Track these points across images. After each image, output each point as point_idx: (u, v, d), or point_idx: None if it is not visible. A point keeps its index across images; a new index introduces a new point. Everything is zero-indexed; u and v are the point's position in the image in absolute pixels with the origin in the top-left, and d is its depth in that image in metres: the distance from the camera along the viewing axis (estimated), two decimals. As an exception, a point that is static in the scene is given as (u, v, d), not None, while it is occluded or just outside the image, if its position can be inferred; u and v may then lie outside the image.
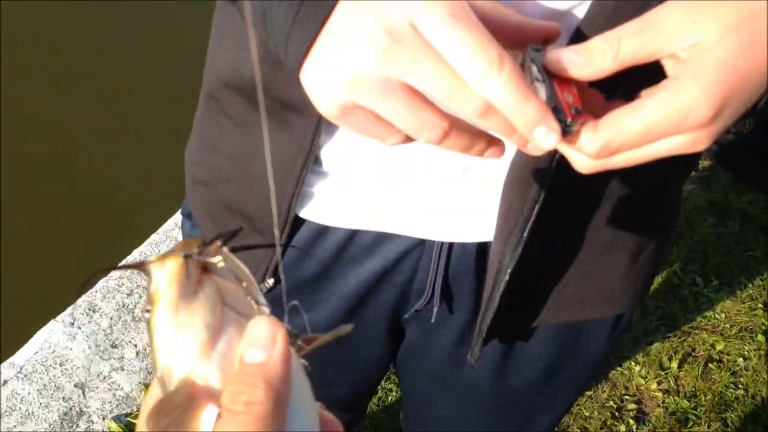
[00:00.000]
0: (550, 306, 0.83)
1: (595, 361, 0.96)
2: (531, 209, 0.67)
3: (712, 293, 2.14)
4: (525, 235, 0.69)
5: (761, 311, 2.12)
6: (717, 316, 2.11)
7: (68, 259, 2.39)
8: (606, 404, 1.93)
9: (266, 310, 0.35)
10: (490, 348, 0.87)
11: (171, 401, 0.32)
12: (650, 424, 1.90)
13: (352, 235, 0.79)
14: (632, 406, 1.93)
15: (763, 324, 2.10)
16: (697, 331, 2.08)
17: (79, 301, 2.12)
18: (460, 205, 0.75)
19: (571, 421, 1.89)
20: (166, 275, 0.32)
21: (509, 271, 0.72)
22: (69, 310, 2.10)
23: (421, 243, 0.79)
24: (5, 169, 2.51)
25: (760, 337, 2.07)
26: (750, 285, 2.17)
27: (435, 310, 0.83)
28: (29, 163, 2.59)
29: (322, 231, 0.79)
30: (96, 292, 2.15)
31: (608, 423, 1.90)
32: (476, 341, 0.82)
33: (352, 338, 0.90)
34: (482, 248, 0.79)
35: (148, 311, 0.32)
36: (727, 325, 2.09)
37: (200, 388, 0.32)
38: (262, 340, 0.34)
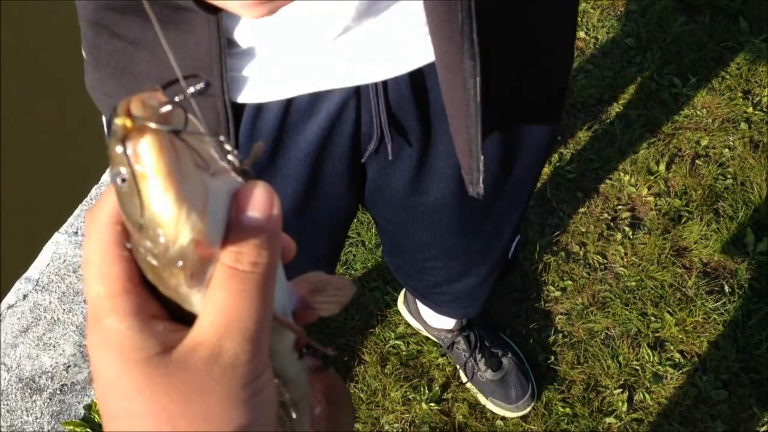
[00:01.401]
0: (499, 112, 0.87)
1: (541, 148, 1.01)
2: (468, 17, 0.68)
3: (690, 91, 2.15)
4: (476, 47, 0.70)
5: (741, 100, 2.14)
6: (698, 112, 2.13)
7: (64, 172, 2.42)
8: (600, 217, 1.99)
9: (250, 171, 0.35)
10: (448, 169, 0.91)
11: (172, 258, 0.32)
12: (645, 228, 1.97)
13: (288, 103, 0.82)
14: (626, 214, 1.99)
15: (744, 112, 2.12)
16: (680, 131, 2.11)
17: (77, 211, 2.17)
18: (380, 42, 0.77)
19: (569, 239, 1.96)
20: (150, 149, 0.31)
21: (479, 88, 0.73)
22: (70, 220, 2.15)
23: (356, 90, 0.81)
24: (5, 86, 2.49)
25: (743, 125, 2.09)
26: (727, 76, 2.17)
27: (389, 146, 0.86)
28: (31, 78, 2.58)
29: (260, 109, 0.82)
30: (91, 200, 2.19)
31: (605, 234, 1.96)
32: (476, 177, 0.84)
33: (323, 193, 0.94)
34: (415, 76, 0.81)
35: (122, 178, 0.31)
36: (710, 120, 2.12)
37: (204, 248, 0.32)
38: (261, 203, 0.34)
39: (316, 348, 0.40)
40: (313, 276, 0.40)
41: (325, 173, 0.91)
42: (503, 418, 1.73)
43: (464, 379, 1.76)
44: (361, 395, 1.78)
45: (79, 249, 2.11)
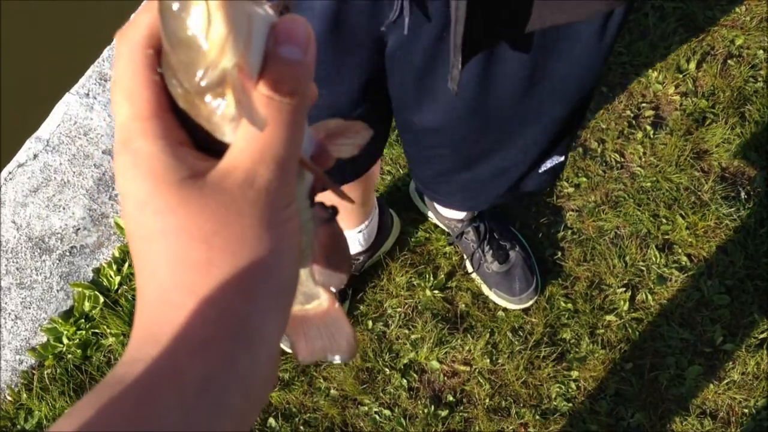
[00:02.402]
0: (527, 12, 0.81)
1: (584, 69, 0.95)
2: None
3: (732, -14, 2.05)
4: None
5: (784, -1, 2.03)
6: (737, 9, 2.03)
7: (77, 32, 2.35)
8: (623, 114, 1.94)
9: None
10: (471, 60, 0.87)
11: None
12: (667, 128, 1.92)
13: None
14: (649, 112, 1.93)
15: (785, 12, 2.02)
16: (716, 28, 2.02)
17: (89, 72, 2.12)
18: None
19: (588, 135, 1.92)
20: None
21: None
22: (82, 81, 2.11)
23: None
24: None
25: (782, 27, 2.00)
26: (772, -28, 2.06)
27: (406, 20, 0.83)
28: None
29: None
30: (103, 61, 2.14)
31: (625, 132, 1.91)
32: (453, 62, 0.82)
33: (349, 62, 0.92)
34: None
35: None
36: (748, 18, 2.02)
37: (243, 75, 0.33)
38: (300, 36, 0.34)
39: (323, 204, 0.42)
40: (332, 122, 0.40)
41: (345, 31, 0.89)
42: (505, 310, 1.75)
43: (470, 269, 1.77)
44: (366, 278, 1.79)
45: (90, 112, 2.08)
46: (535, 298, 1.74)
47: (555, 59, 0.92)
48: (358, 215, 1.61)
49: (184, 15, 0.31)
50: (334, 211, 0.43)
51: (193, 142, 0.35)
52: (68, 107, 2.08)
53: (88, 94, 2.10)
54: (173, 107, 0.35)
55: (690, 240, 1.80)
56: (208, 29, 0.31)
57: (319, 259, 0.45)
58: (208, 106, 0.34)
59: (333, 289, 0.46)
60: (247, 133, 0.34)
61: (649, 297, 1.76)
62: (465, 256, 1.78)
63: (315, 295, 0.45)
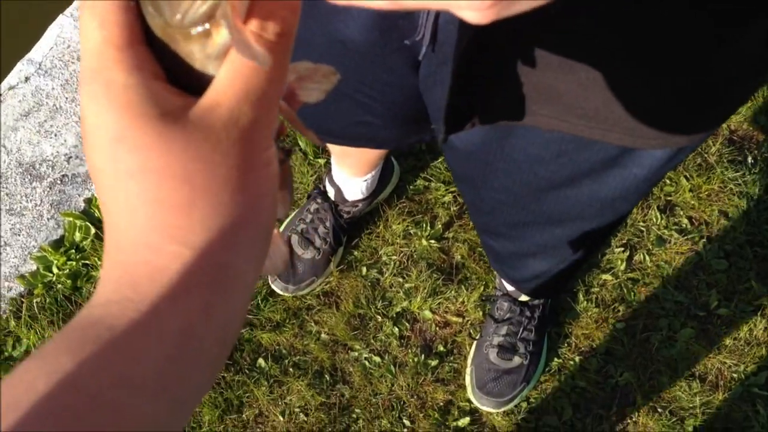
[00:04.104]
0: (543, 104, 0.74)
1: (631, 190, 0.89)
2: None
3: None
4: None
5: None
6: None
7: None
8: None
9: None
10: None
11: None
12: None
13: None
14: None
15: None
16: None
17: (85, -7, 2.04)
18: None
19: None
20: None
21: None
22: (75, 3, 2.03)
23: None
24: None
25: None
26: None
27: (423, 48, 0.77)
28: None
29: None
30: (100, -19, 2.06)
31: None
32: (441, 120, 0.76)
33: (380, 63, 0.86)
34: None
35: None
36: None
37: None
38: None
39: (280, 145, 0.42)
40: (302, 64, 0.39)
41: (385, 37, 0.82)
42: (501, 263, 1.74)
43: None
44: (362, 225, 1.77)
45: (85, 35, 2.01)
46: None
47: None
48: (369, 164, 1.57)
49: None
50: (289, 152, 0.43)
51: (167, 76, 0.33)
52: (62, 30, 2.01)
53: (83, 17, 2.03)
54: (147, 36, 0.33)
55: (693, 202, 1.78)
56: None
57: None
58: (191, 41, 0.32)
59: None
60: (232, 70, 0.32)
61: (647, 258, 1.74)
62: (466, 207, 1.74)
63: None
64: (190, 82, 0.33)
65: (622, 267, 1.73)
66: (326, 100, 0.40)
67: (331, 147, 1.54)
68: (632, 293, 1.71)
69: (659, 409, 1.64)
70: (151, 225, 0.31)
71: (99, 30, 0.32)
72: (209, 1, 0.30)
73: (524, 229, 1.06)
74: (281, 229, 1.74)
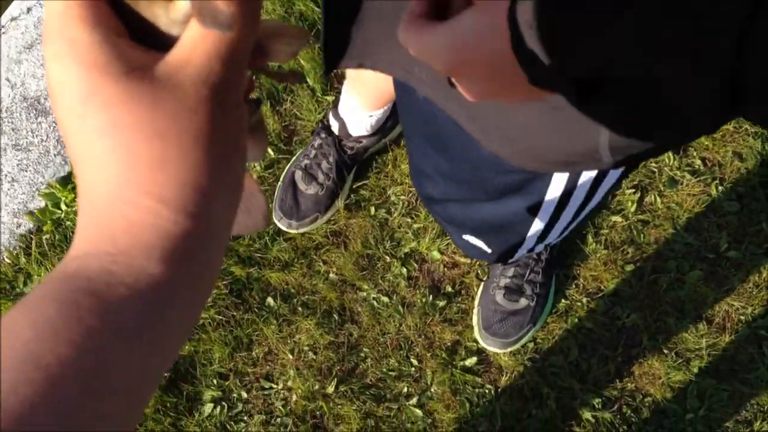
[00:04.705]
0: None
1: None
2: None
3: None
4: None
5: None
6: None
7: None
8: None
9: None
10: None
11: None
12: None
13: None
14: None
15: None
16: None
17: None
18: None
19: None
20: None
21: None
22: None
23: None
24: None
25: None
26: None
27: None
28: None
29: None
30: None
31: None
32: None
33: None
34: None
35: None
36: None
37: None
38: None
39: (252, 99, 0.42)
40: (270, 21, 0.39)
41: None
42: (510, 204, 1.72)
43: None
44: (370, 164, 1.75)
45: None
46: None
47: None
48: (380, 99, 1.54)
49: None
50: (258, 102, 0.43)
51: (129, 32, 0.33)
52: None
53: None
54: None
55: (706, 143, 1.75)
56: None
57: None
58: (155, 5, 0.32)
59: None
60: (200, 28, 0.32)
61: (658, 199, 1.73)
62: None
63: None
64: (155, 41, 0.33)
65: (633, 208, 1.71)
66: None
67: (348, 70, 1.51)
68: (642, 235, 1.70)
69: (665, 351, 1.65)
70: (125, 180, 0.32)
71: None
72: None
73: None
74: (288, 168, 1.73)
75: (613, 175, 0.90)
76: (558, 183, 0.90)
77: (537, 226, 1.05)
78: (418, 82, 0.68)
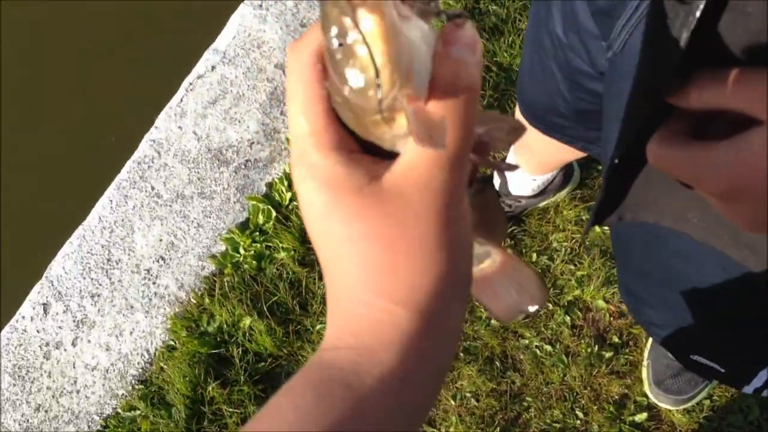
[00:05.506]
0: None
1: None
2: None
3: None
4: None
5: None
6: None
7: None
8: None
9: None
10: None
11: None
12: None
13: None
14: None
15: None
16: None
17: (262, -20, 2.11)
18: None
19: None
20: (373, 17, 0.31)
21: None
22: (255, -9, 2.11)
23: None
24: None
25: None
26: None
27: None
28: None
29: None
30: (276, -33, 2.12)
31: None
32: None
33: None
34: None
35: (339, 42, 0.32)
36: None
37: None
38: (467, 38, 0.35)
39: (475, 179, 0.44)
40: (489, 114, 0.40)
41: None
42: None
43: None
44: (533, 211, 1.72)
45: (263, 23, 2.09)
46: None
47: None
48: (545, 166, 1.51)
49: (350, 61, 0.32)
50: (485, 183, 0.45)
51: (361, 147, 0.37)
52: (243, 18, 2.10)
53: (261, 5, 2.11)
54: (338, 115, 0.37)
55: None
56: (373, 71, 0.32)
57: (478, 223, 0.46)
58: (379, 128, 0.35)
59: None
60: None
61: None
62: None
63: (485, 254, 0.47)
64: (380, 151, 0.37)
65: None
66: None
67: None
68: None
69: None
70: (363, 285, 0.37)
71: (303, 121, 0.37)
72: (390, 97, 0.33)
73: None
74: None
75: None
76: None
77: None
78: (693, 228, 0.64)
